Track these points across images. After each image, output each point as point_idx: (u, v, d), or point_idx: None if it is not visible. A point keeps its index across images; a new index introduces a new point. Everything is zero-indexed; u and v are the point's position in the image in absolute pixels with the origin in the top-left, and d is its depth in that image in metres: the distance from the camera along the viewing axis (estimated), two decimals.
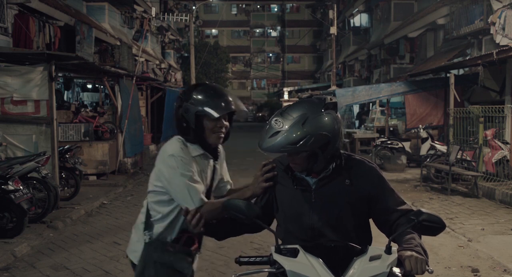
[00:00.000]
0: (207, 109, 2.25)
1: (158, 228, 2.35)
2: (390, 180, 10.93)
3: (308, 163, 1.98)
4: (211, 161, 2.42)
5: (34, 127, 7.84)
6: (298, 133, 1.88)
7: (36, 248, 6.01)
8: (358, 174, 2.06)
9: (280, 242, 1.83)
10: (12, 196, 6.08)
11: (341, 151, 2.11)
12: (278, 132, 1.90)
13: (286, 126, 1.89)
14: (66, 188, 8.56)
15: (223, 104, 2.29)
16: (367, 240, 2.10)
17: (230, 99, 2.34)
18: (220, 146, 2.49)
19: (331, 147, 1.96)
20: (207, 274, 5.04)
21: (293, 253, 1.76)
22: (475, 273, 5.00)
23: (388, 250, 1.75)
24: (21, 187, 6.24)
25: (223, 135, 2.35)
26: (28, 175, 6.98)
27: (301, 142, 1.87)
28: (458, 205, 8.35)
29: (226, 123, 2.35)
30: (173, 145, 2.27)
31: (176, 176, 2.19)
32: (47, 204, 7.03)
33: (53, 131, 7.81)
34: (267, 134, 1.93)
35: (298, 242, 1.89)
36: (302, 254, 1.75)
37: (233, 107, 2.34)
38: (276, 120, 1.94)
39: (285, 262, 1.73)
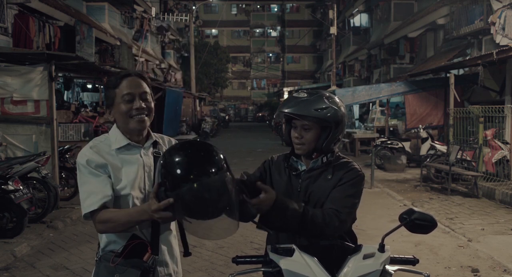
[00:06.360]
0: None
1: (104, 238, 2.04)
2: (390, 180, 10.81)
3: (317, 141, 2.03)
4: (142, 151, 2.05)
5: (34, 127, 7.83)
6: (322, 102, 2.01)
7: (36, 248, 6.00)
8: (339, 169, 2.06)
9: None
10: (12, 196, 6.08)
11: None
12: (304, 100, 2.01)
13: (311, 97, 2.02)
14: (66, 188, 8.55)
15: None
16: (353, 237, 2.11)
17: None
18: (165, 138, 2.18)
19: (342, 128, 2.05)
20: (207, 274, 5.03)
21: (289, 252, 1.78)
22: (475, 273, 5.00)
23: (382, 248, 1.78)
24: (21, 187, 6.24)
25: (145, 118, 2.00)
26: (28, 175, 6.97)
27: (325, 110, 1.98)
28: (458, 205, 8.35)
29: (145, 104, 2.00)
30: (82, 150, 2.03)
31: (79, 182, 1.99)
32: (47, 204, 7.03)
33: (53, 131, 7.81)
34: (290, 101, 2.03)
35: (292, 240, 1.91)
36: (297, 253, 1.77)
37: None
38: (298, 92, 2.06)
39: (281, 261, 1.75)
